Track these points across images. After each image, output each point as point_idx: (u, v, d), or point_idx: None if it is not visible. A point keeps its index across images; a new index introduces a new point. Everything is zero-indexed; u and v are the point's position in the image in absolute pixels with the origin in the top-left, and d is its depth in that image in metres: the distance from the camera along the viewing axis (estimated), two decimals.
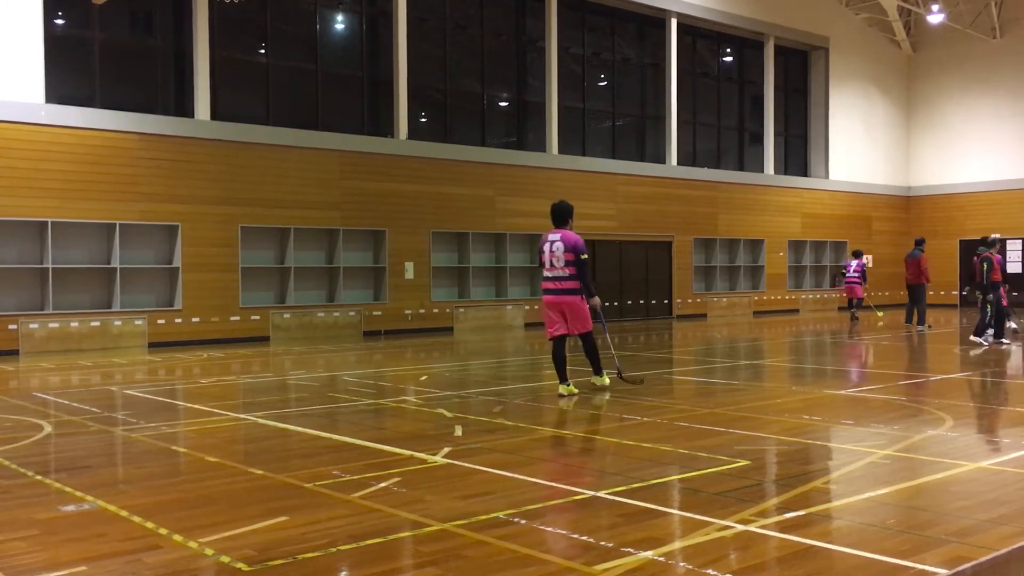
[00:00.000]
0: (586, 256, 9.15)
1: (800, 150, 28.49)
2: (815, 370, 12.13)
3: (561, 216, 9.22)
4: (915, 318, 18.64)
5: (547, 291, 9.20)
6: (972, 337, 15.22)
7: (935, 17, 26.33)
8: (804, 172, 28.29)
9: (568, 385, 9.23)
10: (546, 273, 9.19)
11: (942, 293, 29.11)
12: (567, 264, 9.04)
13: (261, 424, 7.75)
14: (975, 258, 15.41)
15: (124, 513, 4.81)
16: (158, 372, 12.39)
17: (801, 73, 28.38)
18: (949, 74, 29.25)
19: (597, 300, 9.32)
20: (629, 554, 4.02)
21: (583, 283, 9.07)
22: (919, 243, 19.18)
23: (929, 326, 18.65)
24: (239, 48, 18.01)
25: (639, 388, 9.69)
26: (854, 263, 21.77)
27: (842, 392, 9.48)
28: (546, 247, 9.15)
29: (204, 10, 16.61)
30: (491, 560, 3.99)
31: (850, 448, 6.49)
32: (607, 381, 9.64)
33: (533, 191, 21.10)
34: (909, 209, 30.24)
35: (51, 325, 15.05)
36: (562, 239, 9.07)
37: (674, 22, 23.99)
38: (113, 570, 3.94)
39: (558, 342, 9.23)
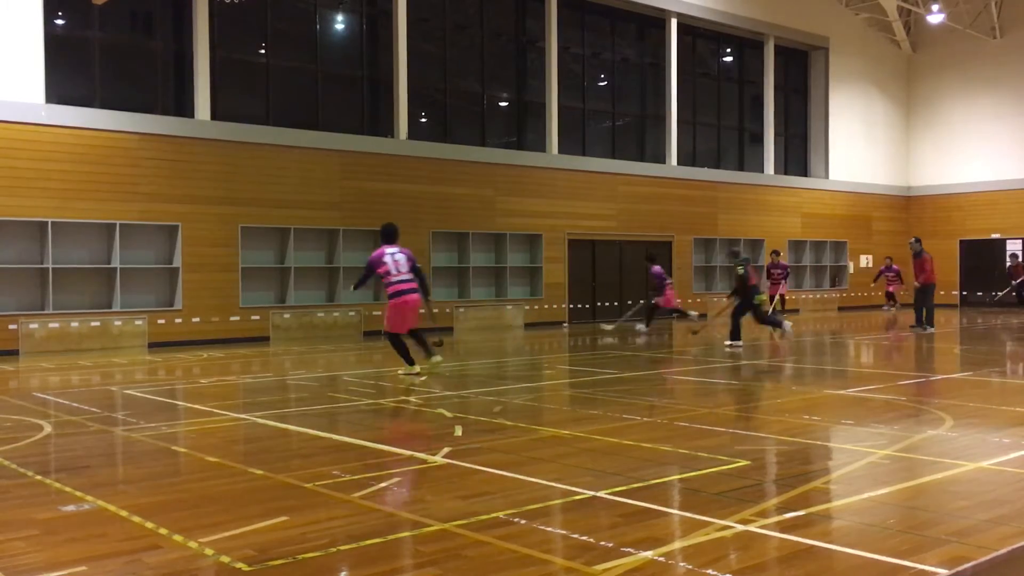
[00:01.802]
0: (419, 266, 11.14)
1: (800, 150, 28.50)
2: (815, 370, 12.13)
3: (396, 234, 11.19)
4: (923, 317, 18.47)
5: (409, 291, 10.89)
6: None
7: (935, 17, 26.32)
8: (804, 172, 28.30)
9: (420, 364, 11.02)
10: (399, 277, 10.84)
11: (942, 293, 29.05)
12: (410, 270, 10.92)
13: (261, 424, 7.75)
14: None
15: (124, 513, 4.81)
16: (158, 372, 12.39)
17: (801, 73, 28.38)
18: (949, 74, 29.24)
19: (431, 299, 11.52)
20: (629, 554, 4.02)
21: (424, 287, 11.11)
22: (919, 241, 19.15)
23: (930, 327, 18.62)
24: (239, 48, 18.00)
25: (639, 388, 9.69)
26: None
27: (842, 392, 9.48)
28: (388, 259, 10.83)
29: (204, 10, 16.61)
30: (491, 560, 3.99)
31: (850, 448, 6.49)
32: (417, 368, 11.05)
33: (533, 191, 21.11)
34: (909, 209, 30.24)
35: (51, 325, 15.05)
36: (401, 251, 10.99)
37: (674, 22, 23.98)
38: (113, 570, 3.94)
39: (401, 335, 10.99)
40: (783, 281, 23.03)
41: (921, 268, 18.38)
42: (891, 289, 26.72)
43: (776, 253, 23.57)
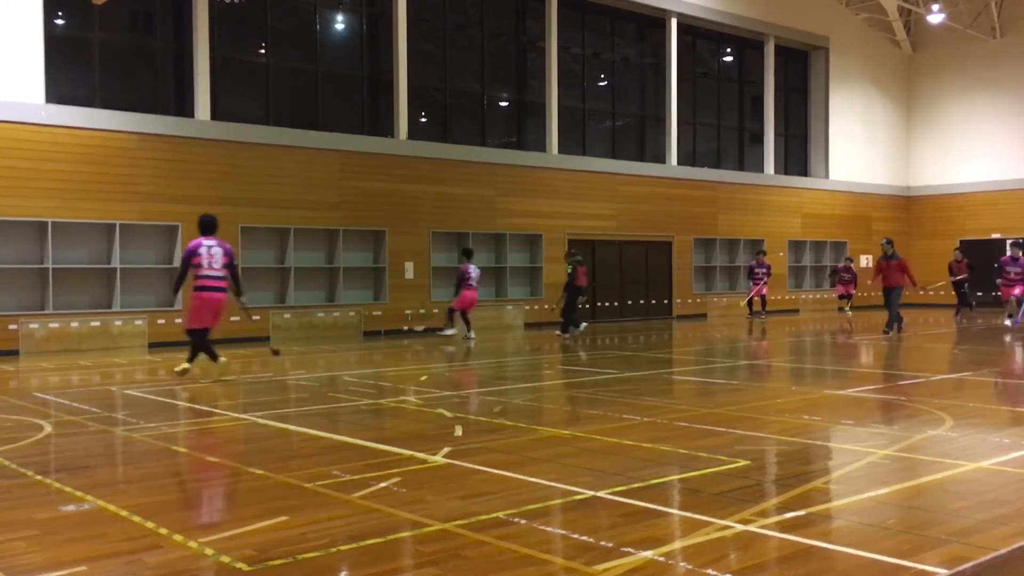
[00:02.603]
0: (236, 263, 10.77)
1: (800, 150, 28.50)
2: (815, 370, 12.13)
3: (215, 226, 10.73)
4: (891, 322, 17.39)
5: (215, 289, 10.50)
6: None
7: (935, 17, 26.32)
8: (804, 172, 28.30)
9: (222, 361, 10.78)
10: (209, 272, 10.44)
11: (942, 293, 29.09)
12: (224, 267, 10.50)
13: (261, 424, 7.75)
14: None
15: (124, 513, 4.81)
16: (158, 372, 12.39)
17: (801, 73, 28.38)
18: (949, 74, 29.24)
19: (245, 299, 11.18)
20: (629, 554, 4.02)
21: (237, 287, 10.76)
22: (891, 243, 17.75)
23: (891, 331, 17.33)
24: (239, 48, 18.00)
25: (639, 388, 9.69)
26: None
27: (842, 392, 9.48)
28: (204, 251, 10.42)
29: (204, 10, 16.61)
30: (491, 560, 3.99)
31: (850, 448, 6.49)
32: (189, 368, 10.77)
33: (533, 191, 21.11)
34: (909, 209, 30.24)
35: (51, 325, 15.05)
36: (220, 245, 10.52)
37: (674, 22, 23.99)
38: (113, 570, 3.94)
39: (204, 332, 10.72)
40: (764, 281, 23.06)
41: (890, 270, 17.10)
42: (845, 290, 24.07)
43: (761, 253, 23.69)
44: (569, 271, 17.36)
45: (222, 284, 10.53)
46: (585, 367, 11.73)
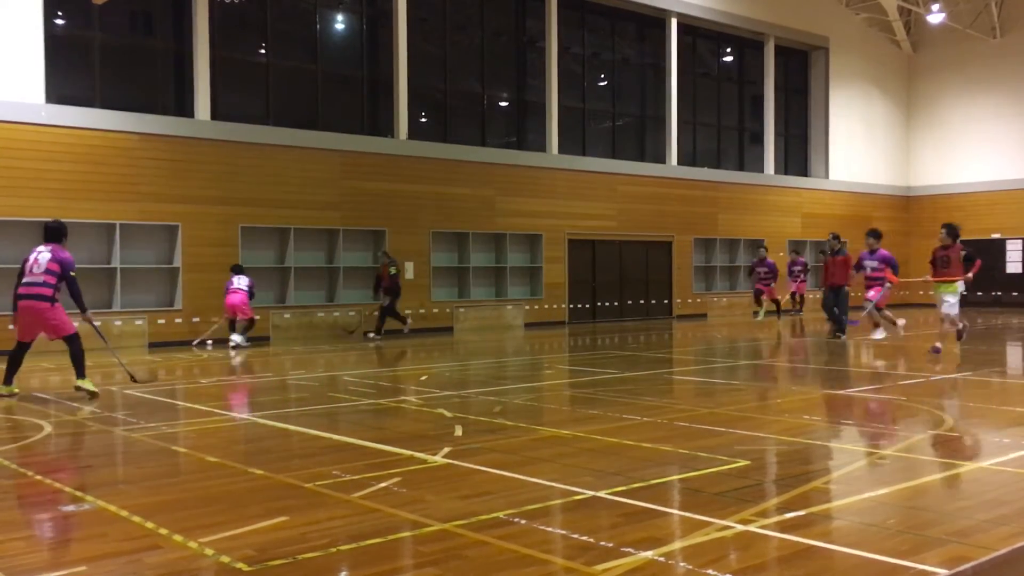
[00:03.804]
0: (74, 273, 9.75)
1: (800, 150, 28.50)
2: (815, 370, 12.13)
3: (56, 233, 9.86)
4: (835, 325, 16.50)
5: (30, 296, 9.54)
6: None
7: (935, 17, 26.33)
8: (804, 172, 28.29)
9: (10, 386, 9.77)
10: (28, 279, 9.55)
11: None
12: (50, 273, 9.51)
13: (261, 424, 7.75)
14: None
15: (124, 513, 4.81)
16: (158, 372, 12.39)
17: (801, 73, 28.38)
18: (949, 74, 29.24)
19: (90, 314, 10.13)
20: (629, 554, 4.02)
21: (76, 298, 9.72)
22: (838, 238, 17.01)
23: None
24: (239, 48, 18.00)
25: (639, 388, 9.69)
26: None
27: (842, 392, 9.48)
28: (31, 256, 9.66)
29: (204, 10, 16.61)
30: (491, 560, 3.99)
31: (850, 448, 6.49)
32: (94, 388, 9.65)
33: (533, 191, 21.11)
34: (909, 209, 30.24)
35: None
36: (52, 251, 9.63)
37: (674, 22, 23.98)
38: (113, 570, 3.94)
39: (20, 346, 9.86)
40: (802, 279, 23.21)
41: (835, 267, 16.27)
42: (793, 289, 23.17)
43: (796, 252, 24.01)
44: (393, 271, 17.57)
45: (39, 291, 9.47)
46: (585, 367, 11.73)
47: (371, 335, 17.53)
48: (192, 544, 4.23)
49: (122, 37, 16.75)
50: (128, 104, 16.14)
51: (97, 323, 10.74)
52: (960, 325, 13.35)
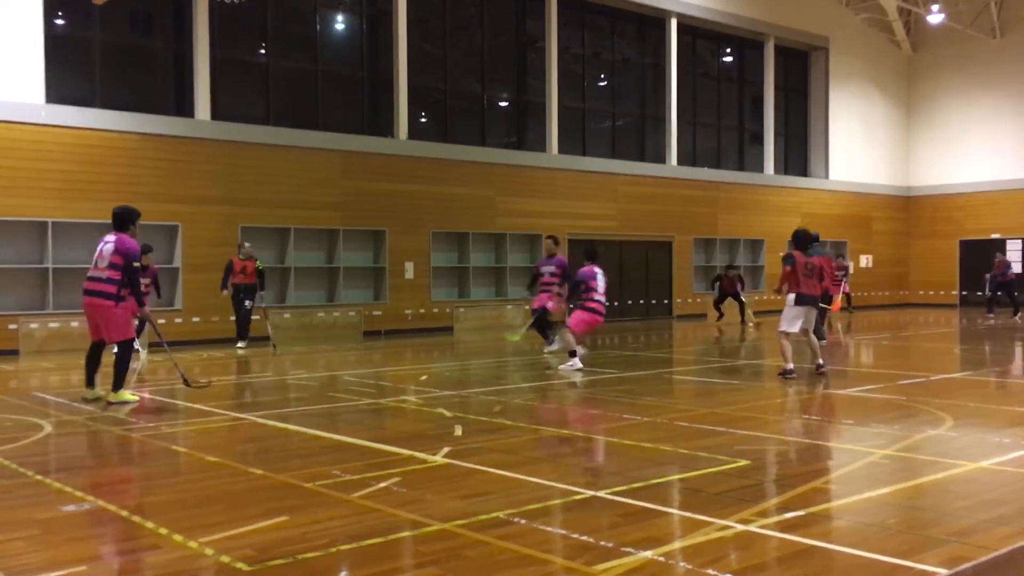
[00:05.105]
0: (138, 264, 8.93)
1: (800, 150, 28.49)
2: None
3: (123, 219, 9.03)
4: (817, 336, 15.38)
5: (90, 292, 8.93)
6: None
7: (935, 17, 26.32)
8: (804, 172, 28.29)
9: (94, 388, 9.12)
10: (90, 273, 8.96)
11: (942, 293, 29.13)
12: (113, 267, 8.79)
13: (261, 424, 7.75)
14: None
15: (124, 513, 4.81)
16: (158, 372, 12.39)
17: (801, 73, 28.37)
18: (949, 74, 29.24)
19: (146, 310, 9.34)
20: (629, 554, 4.02)
21: (135, 291, 8.92)
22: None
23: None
24: (239, 48, 18.00)
25: (639, 387, 9.70)
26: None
27: (842, 392, 9.49)
28: (99, 247, 8.99)
29: (204, 10, 16.60)
30: (491, 560, 3.99)
31: (850, 448, 6.49)
32: (133, 398, 9.12)
33: (533, 191, 21.10)
34: (909, 209, 30.24)
35: (51, 325, 15.04)
36: (116, 242, 8.86)
37: (674, 22, 23.98)
38: (113, 570, 3.94)
39: (95, 346, 9.15)
40: (844, 281, 23.51)
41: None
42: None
43: (841, 256, 24.70)
44: (259, 267, 15.67)
45: (98, 287, 8.83)
46: (585, 367, 11.73)
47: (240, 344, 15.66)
48: (192, 544, 4.24)
49: (122, 37, 16.75)
50: (128, 104, 16.13)
51: (160, 321, 9.98)
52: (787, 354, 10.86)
